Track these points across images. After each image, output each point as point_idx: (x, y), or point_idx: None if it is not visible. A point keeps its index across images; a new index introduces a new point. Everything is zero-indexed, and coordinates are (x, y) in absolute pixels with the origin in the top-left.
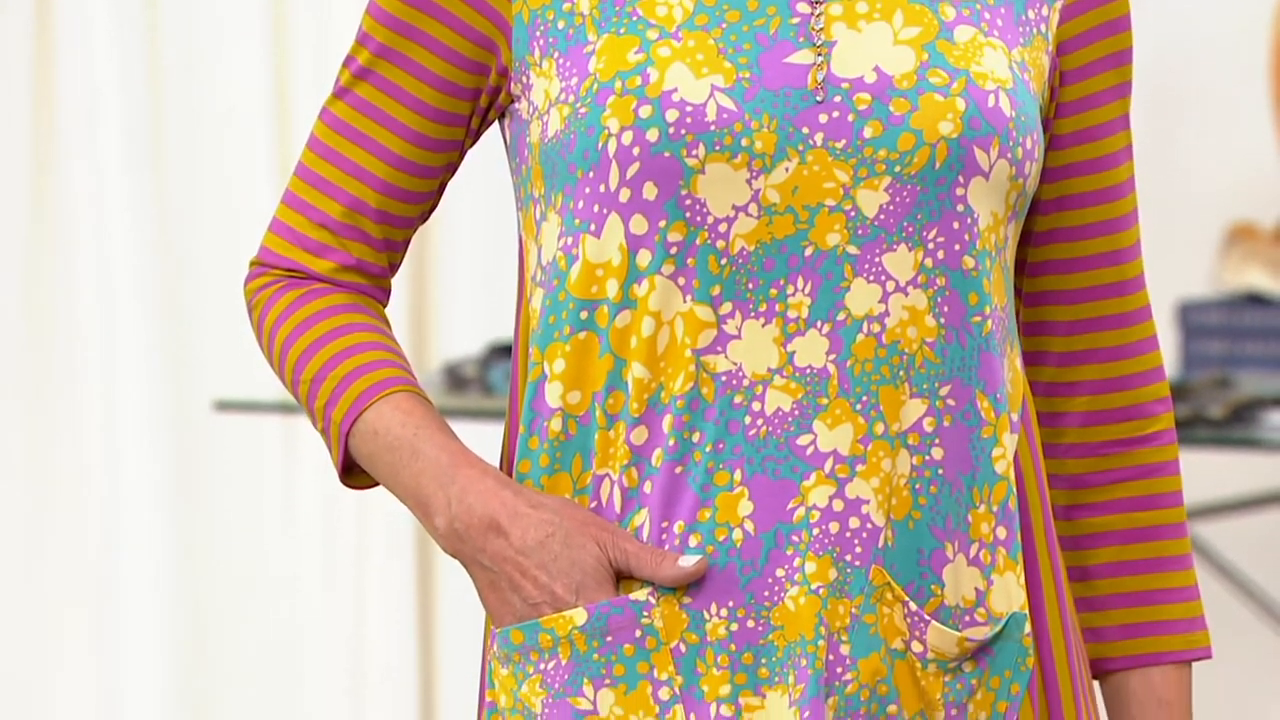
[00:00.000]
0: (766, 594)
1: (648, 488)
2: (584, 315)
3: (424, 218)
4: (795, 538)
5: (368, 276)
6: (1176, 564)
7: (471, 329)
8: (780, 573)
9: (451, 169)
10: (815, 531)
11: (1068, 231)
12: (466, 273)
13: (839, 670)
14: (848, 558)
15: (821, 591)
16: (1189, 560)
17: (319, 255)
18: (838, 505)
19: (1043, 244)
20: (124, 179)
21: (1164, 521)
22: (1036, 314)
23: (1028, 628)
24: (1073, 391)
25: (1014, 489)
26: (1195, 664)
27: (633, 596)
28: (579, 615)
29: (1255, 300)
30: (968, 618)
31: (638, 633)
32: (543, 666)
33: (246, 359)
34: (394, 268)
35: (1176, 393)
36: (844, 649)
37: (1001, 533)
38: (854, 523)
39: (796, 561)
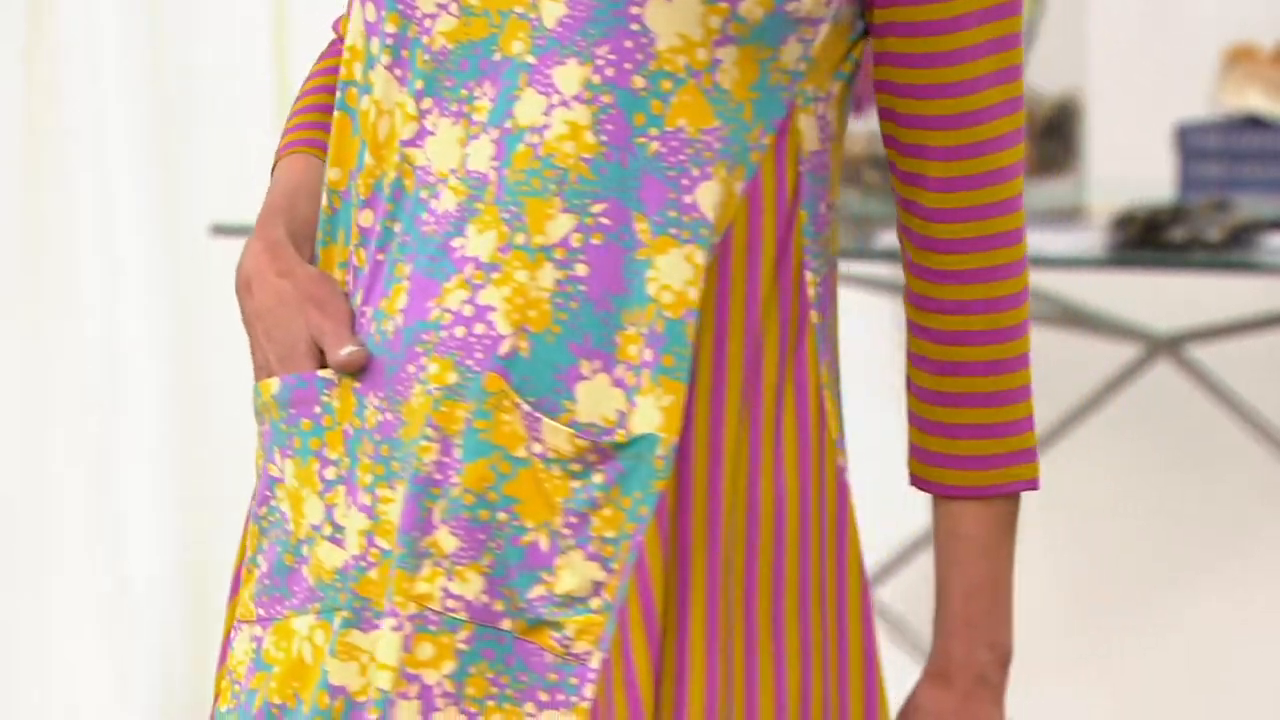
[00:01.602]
0: (400, 389)
1: (365, 269)
2: (340, 95)
3: None
4: (426, 337)
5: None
6: (984, 400)
7: None
8: (411, 369)
9: None
10: (444, 334)
11: (895, 57)
12: None
13: (450, 474)
14: (468, 363)
15: (436, 393)
16: (1001, 397)
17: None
18: (468, 310)
19: (880, 64)
20: (119, 1)
21: (982, 358)
22: (911, 135)
23: (661, 450)
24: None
25: (669, 314)
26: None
27: (321, 373)
28: (275, 384)
29: (1254, 123)
30: (606, 437)
31: (317, 409)
32: (260, 429)
33: (244, 183)
34: None
35: (1174, 216)
36: (456, 453)
37: (648, 355)
38: (479, 329)
39: (424, 360)
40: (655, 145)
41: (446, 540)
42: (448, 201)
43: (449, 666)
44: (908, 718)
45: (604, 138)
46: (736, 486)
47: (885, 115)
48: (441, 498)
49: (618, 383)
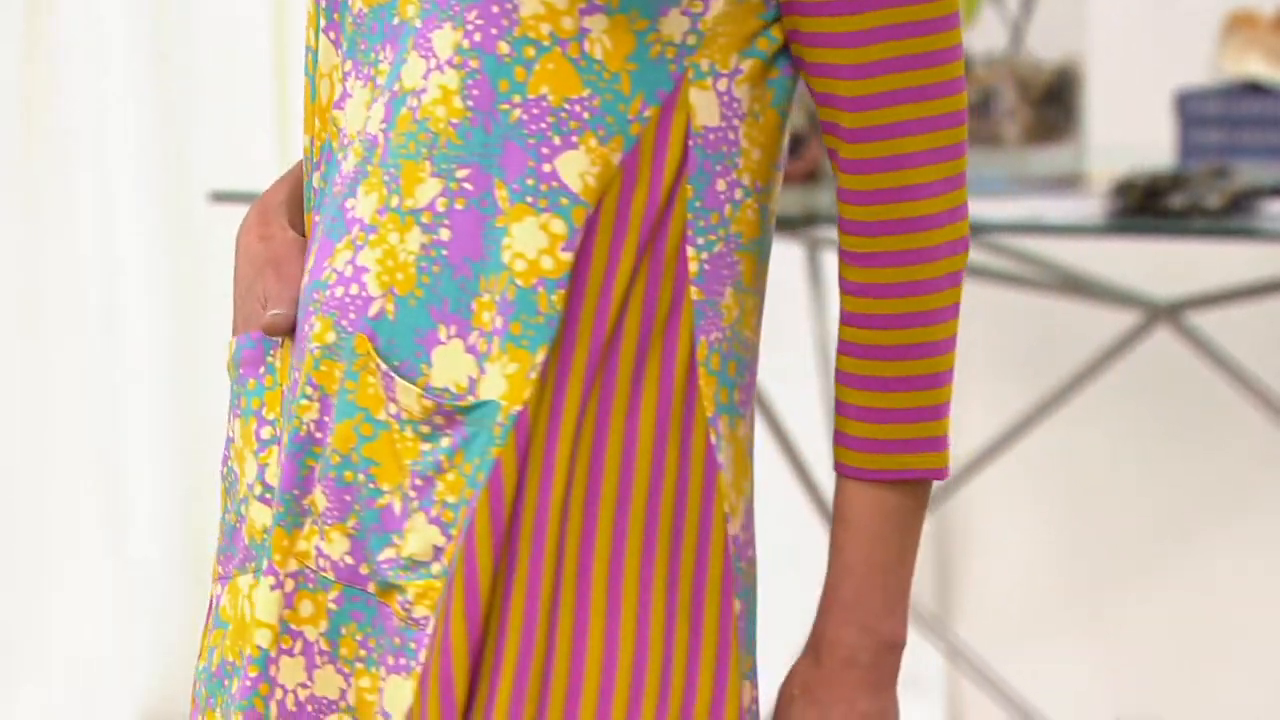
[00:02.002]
0: (300, 349)
1: (312, 231)
2: (303, 63)
3: None
4: (317, 296)
5: None
6: (879, 384)
7: None
8: (306, 329)
9: None
10: (328, 293)
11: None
12: None
13: (327, 434)
14: (344, 323)
15: (317, 352)
16: (896, 383)
17: None
18: (348, 271)
19: (792, 42)
20: None
21: (881, 342)
22: (825, 114)
23: (500, 418)
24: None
25: (521, 281)
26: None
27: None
28: (232, 344)
29: (1254, 89)
30: (456, 402)
31: (261, 369)
32: (232, 387)
33: (243, 150)
34: None
35: (1174, 183)
36: (333, 412)
37: (499, 322)
38: (354, 290)
39: (313, 319)
40: (518, 113)
41: (320, 500)
42: (349, 163)
43: (324, 625)
44: (783, 685)
45: (470, 103)
46: (579, 458)
47: (810, 91)
48: (321, 457)
49: (471, 349)
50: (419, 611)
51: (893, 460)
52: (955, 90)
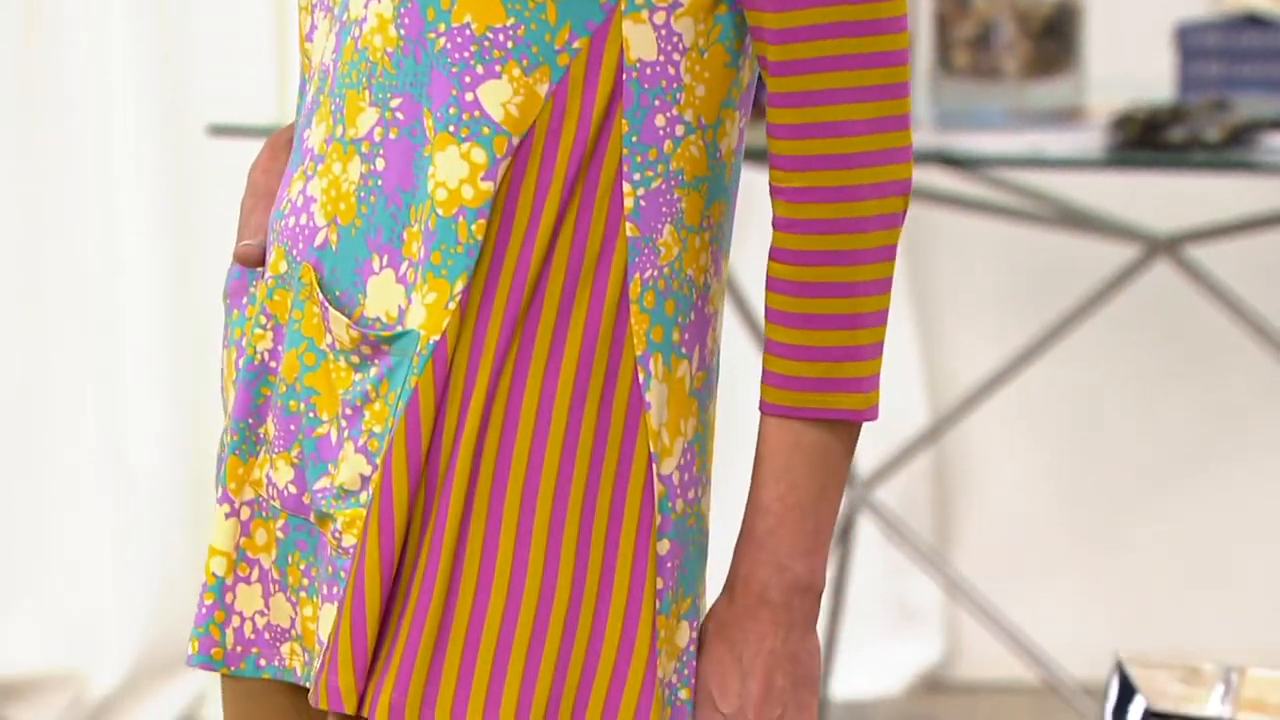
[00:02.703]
0: (260, 276)
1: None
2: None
3: None
4: (277, 225)
5: None
6: (798, 320)
7: None
8: (269, 258)
9: None
10: (283, 223)
11: None
12: None
13: (278, 363)
14: (294, 253)
15: (270, 281)
16: (816, 320)
17: None
18: (299, 201)
19: None
20: None
21: (805, 279)
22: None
23: (419, 348)
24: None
25: (441, 211)
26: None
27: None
28: (227, 275)
29: (1254, 21)
30: (384, 331)
31: (244, 299)
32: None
33: (240, 83)
34: None
35: (1173, 116)
36: (284, 342)
37: (423, 252)
38: (304, 219)
39: (272, 249)
40: (443, 41)
41: (270, 428)
42: (310, 94)
43: (274, 553)
44: (702, 623)
45: (403, 31)
46: (499, 390)
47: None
48: (273, 386)
49: (401, 279)
50: (348, 540)
51: (811, 399)
52: (888, 29)
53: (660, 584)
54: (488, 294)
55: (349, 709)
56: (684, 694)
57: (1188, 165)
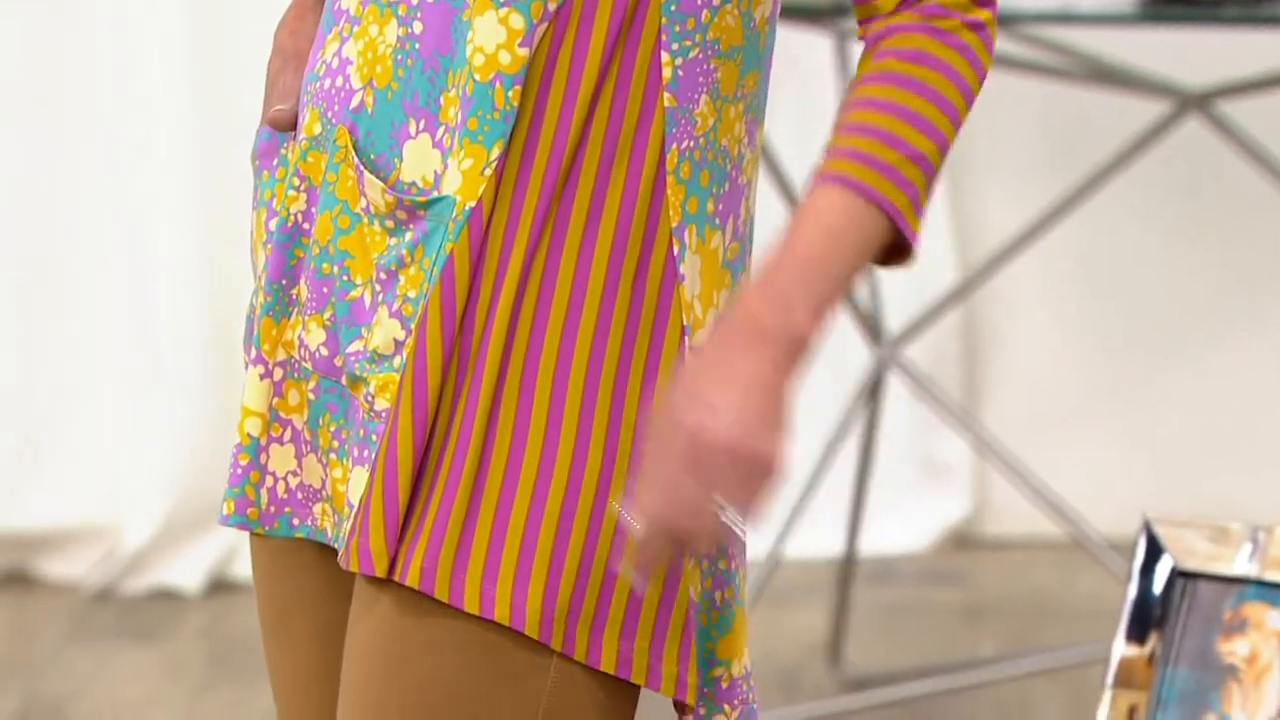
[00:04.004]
0: (292, 138)
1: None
2: None
3: None
4: (311, 87)
5: None
6: (885, 106)
7: None
8: (302, 119)
9: None
10: (317, 85)
11: None
12: None
13: (311, 225)
14: (329, 115)
15: (304, 143)
16: (904, 113)
17: None
18: (335, 63)
19: None
20: None
21: (897, 70)
22: None
23: (455, 213)
24: None
25: (479, 76)
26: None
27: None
28: (255, 137)
29: None
30: (420, 196)
31: (275, 160)
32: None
33: None
34: None
35: None
36: (318, 204)
37: (460, 117)
38: (340, 81)
39: (306, 110)
40: None
41: (303, 290)
42: None
43: (306, 414)
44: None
45: None
46: (536, 259)
47: None
48: (307, 248)
49: (438, 144)
50: (380, 404)
51: (871, 176)
52: None
53: None
54: (525, 162)
55: (379, 572)
56: (721, 564)
57: (1220, 19)
